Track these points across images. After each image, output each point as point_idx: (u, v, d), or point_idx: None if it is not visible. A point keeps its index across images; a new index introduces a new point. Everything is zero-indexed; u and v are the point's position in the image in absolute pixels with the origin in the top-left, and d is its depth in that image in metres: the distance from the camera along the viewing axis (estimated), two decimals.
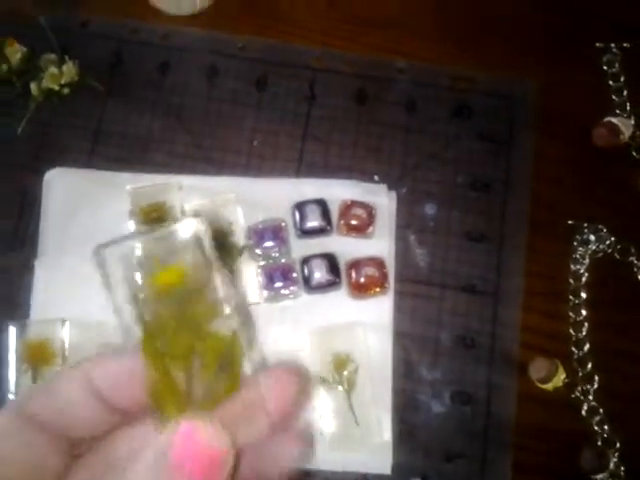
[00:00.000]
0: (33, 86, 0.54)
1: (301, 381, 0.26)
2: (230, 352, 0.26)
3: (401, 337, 0.52)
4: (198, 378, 0.25)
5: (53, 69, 0.54)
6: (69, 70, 0.54)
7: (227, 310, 0.26)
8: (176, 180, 0.54)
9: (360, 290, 0.52)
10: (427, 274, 0.54)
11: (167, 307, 0.25)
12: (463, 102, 0.58)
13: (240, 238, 0.53)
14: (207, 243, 0.28)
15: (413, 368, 0.52)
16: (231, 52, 0.59)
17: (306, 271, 0.52)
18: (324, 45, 0.59)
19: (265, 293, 0.51)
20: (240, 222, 0.53)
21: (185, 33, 0.59)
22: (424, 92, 0.58)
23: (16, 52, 0.54)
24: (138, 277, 0.25)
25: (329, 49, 0.59)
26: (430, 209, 0.56)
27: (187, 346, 0.25)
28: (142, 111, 0.57)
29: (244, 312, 0.51)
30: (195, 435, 0.22)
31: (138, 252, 0.26)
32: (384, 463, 0.50)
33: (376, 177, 0.56)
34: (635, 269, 0.55)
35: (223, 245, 0.52)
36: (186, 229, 0.27)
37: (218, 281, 0.27)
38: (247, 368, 0.26)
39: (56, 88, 0.54)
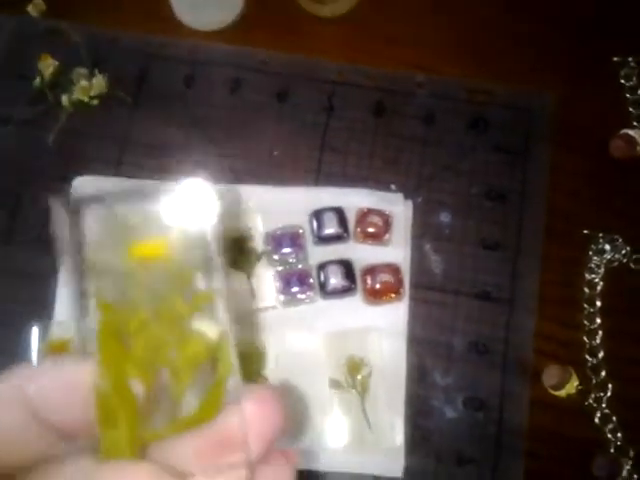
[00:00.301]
0: (64, 98, 0.57)
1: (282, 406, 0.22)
2: (213, 364, 0.20)
3: (415, 343, 0.53)
4: (165, 393, 0.20)
5: (84, 82, 0.57)
6: (99, 83, 0.57)
7: (220, 310, 0.21)
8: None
9: (375, 296, 0.53)
10: (441, 281, 0.55)
11: (140, 289, 0.20)
12: (480, 115, 0.59)
13: (259, 244, 0.54)
14: (213, 225, 0.22)
15: (426, 373, 0.53)
16: (254, 66, 0.61)
17: (322, 277, 0.53)
18: (345, 60, 0.61)
19: (282, 297, 0.53)
20: (259, 228, 0.55)
21: (210, 48, 0.61)
22: (442, 105, 0.60)
23: (49, 66, 0.57)
24: (111, 245, 0.20)
25: (350, 64, 0.61)
26: (445, 217, 0.57)
27: (156, 347, 0.19)
28: (168, 122, 0.59)
29: (246, 319, 0.53)
30: None
31: (121, 215, 0.21)
32: (396, 466, 0.50)
33: (393, 186, 0.57)
34: None
35: (242, 250, 0.54)
36: (187, 191, 0.22)
37: (217, 273, 0.21)
38: (231, 387, 0.21)
39: (86, 100, 0.57)
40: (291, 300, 0.53)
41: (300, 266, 0.54)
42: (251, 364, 0.52)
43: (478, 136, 0.59)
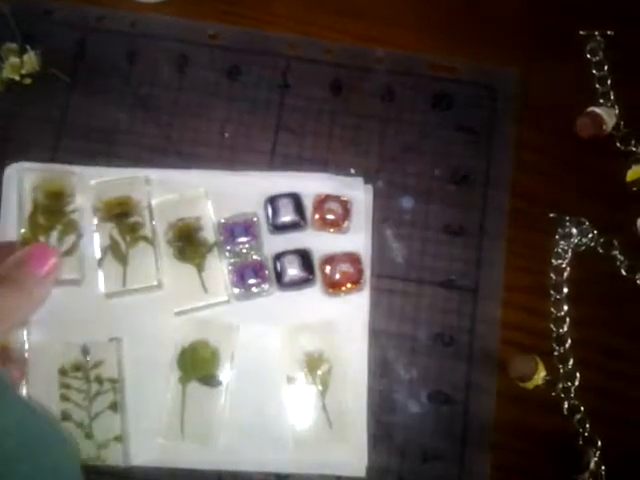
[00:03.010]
0: None
1: None
2: None
3: (377, 335, 0.51)
4: None
5: (13, 59, 0.52)
6: (30, 60, 0.52)
7: None
8: (143, 174, 0.52)
9: (335, 287, 0.50)
10: (404, 269, 0.52)
11: None
12: (443, 92, 0.56)
13: (209, 234, 0.51)
14: None
15: (389, 367, 0.50)
16: (202, 40, 0.57)
17: (278, 268, 0.50)
18: (299, 33, 0.57)
19: (235, 291, 0.50)
20: (210, 217, 0.51)
21: (153, 20, 0.57)
22: (402, 81, 0.56)
23: None
24: None
25: (304, 37, 0.57)
26: (407, 202, 0.54)
27: None
28: (108, 102, 0.55)
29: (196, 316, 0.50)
30: None
31: None
32: (359, 465, 0.48)
33: (352, 170, 0.54)
34: (618, 263, 0.53)
35: (191, 240, 0.50)
36: None
37: None
38: None
39: (17, 79, 0.52)
40: (245, 293, 0.50)
41: (255, 257, 0.50)
42: (203, 363, 0.48)
43: (440, 114, 0.56)
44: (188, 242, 0.50)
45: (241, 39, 0.57)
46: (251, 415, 0.49)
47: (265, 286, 0.50)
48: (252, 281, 0.50)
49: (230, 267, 0.50)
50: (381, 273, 0.52)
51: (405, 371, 0.50)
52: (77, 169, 0.52)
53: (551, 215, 0.54)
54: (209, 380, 0.48)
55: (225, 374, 0.49)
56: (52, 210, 0.50)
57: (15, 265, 0.40)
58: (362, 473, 0.48)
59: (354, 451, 0.48)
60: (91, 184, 0.51)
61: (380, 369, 0.50)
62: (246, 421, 0.48)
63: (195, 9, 0.57)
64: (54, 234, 0.49)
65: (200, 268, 0.50)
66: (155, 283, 0.49)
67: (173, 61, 0.56)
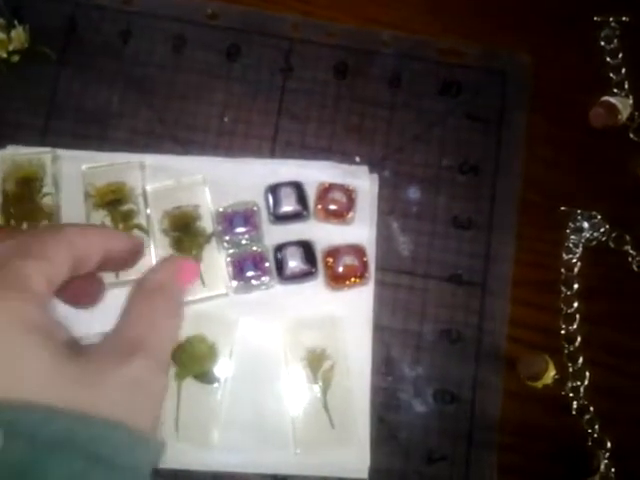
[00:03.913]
0: None
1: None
2: None
3: (381, 331, 0.49)
4: None
5: (1, 34, 0.49)
6: (18, 35, 0.49)
7: None
8: (138, 159, 0.49)
9: (338, 281, 0.48)
10: (410, 263, 0.50)
11: None
12: (451, 78, 0.54)
13: (207, 223, 0.48)
14: None
15: (394, 365, 0.49)
16: (200, 19, 0.54)
17: (279, 259, 0.48)
18: (303, 13, 0.54)
19: (234, 283, 0.47)
20: (208, 206, 0.49)
21: None
22: (410, 66, 0.54)
23: None
24: None
25: (308, 17, 0.54)
26: (414, 193, 0.52)
27: None
28: (100, 83, 0.52)
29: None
30: None
31: None
32: (361, 467, 0.46)
33: (357, 158, 0.52)
34: (630, 258, 0.51)
35: (188, 230, 0.48)
36: None
37: None
38: None
39: (4, 56, 0.49)
40: (245, 286, 0.47)
41: (255, 248, 0.48)
42: (200, 359, 0.46)
43: (450, 101, 0.54)
44: (185, 232, 0.48)
45: (242, 19, 0.54)
46: (250, 414, 0.47)
47: (265, 279, 0.48)
48: (251, 273, 0.47)
49: (229, 259, 0.48)
50: (386, 267, 0.50)
51: (410, 369, 0.49)
52: (67, 153, 0.49)
53: (562, 208, 0.52)
54: (206, 377, 0.46)
55: (223, 370, 0.46)
56: (23, 197, 0.47)
57: (168, 275, 0.35)
58: (364, 475, 0.46)
59: (356, 452, 0.46)
60: (82, 169, 0.48)
61: (384, 367, 0.48)
62: (244, 420, 0.46)
63: None
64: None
65: (197, 259, 0.48)
66: None
67: (169, 41, 0.53)
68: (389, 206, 0.51)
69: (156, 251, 0.48)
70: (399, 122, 0.53)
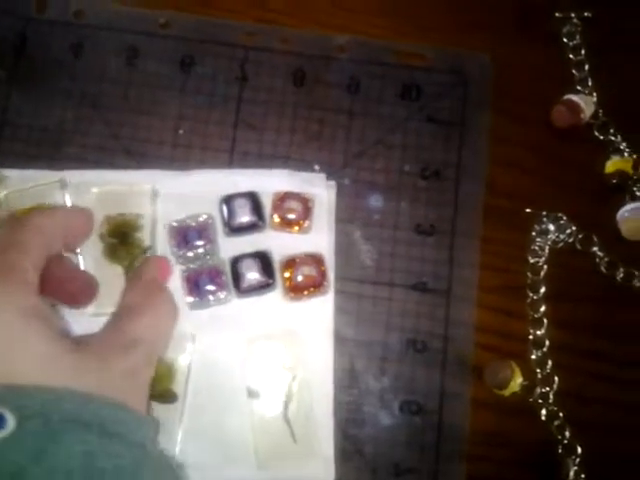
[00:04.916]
0: None
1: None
2: None
3: (345, 343, 0.48)
4: None
5: None
6: None
7: None
8: (79, 177, 0.48)
9: (297, 291, 0.47)
10: (373, 272, 0.49)
11: None
12: (411, 81, 0.53)
13: (147, 236, 0.47)
14: None
15: (358, 377, 0.48)
16: (152, 30, 0.53)
17: (236, 272, 0.47)
18: (257, 20, 0.53)
19: (189, 299, 0.46)
20: (152, 218, 0.48)
21: (100, 10, 0.52)
22: (368, 71, 0.53)
23: None
24: None
25: (262, 24, 0.53)
26: (376, 200, 0.51)
27: None
28: (52, 99, 0.51)
29: None
30: None
31: None
32: (326, 477, 0.45)
33: (316, 166, 0.51)
34: (598, 260, 0.50)
35: (126, 239, 0.47)
36: None
37: None
38: None
39: None
40: (201, 302, 0.46)
41: (210, 262, 0.47)
42: (159, 380, 0.45)
43: (409, 105, 0.53)
44: (122, 240, 0.47)
45: (195, 28, 0.53)
46: (211, 431, 0.46)
47: (222, 293, 0.47)
48: (207, 288, 0.46)
49: (184, 274, 0.47)
50: (349, 277, 0.49)
51: (375, 381, 0.48)
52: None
53: (527, 211, 0.51)
54: (164, 396, 0.45)
55: (181, 389, 0.46)
56: None
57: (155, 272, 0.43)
58: None
59: (320, 465, 0.45)
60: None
61: (348, 380, 0.47)
62: (205, 437, 0.45)
63: None
64: None
65: (128, 271, 0.46)
66: None
67: (122, 53, 0.52)
68: (350, 214, 0.50)
69: (85, 254, 0.46)
70: (359, 128, 0.52)
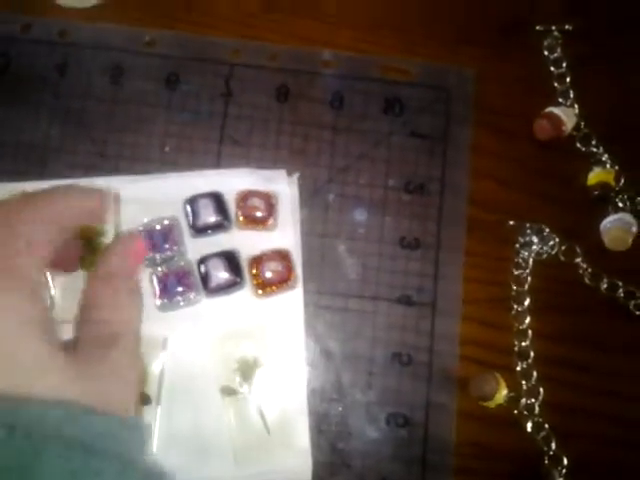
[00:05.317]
0: None
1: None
2: None
3: (331, 358, 0.48)
4: None
5: None
6: None
7: None
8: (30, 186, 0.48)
9: (265, 288, 0.48)
10: (358, 286, 0.50)
11: None
12: (394, 96, 0.54)
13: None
14: None
15: (345, 391, 0.48)
16: (137, 48, 0.53)
17: (203, 273, 0.47)
18: (241, 37, 0.54)
19: (158, 302, 0.47)
20: (115, 223, 0.48)
21: (85, 28, 0.53)
22: (352, 86, 0.53)
23: None
24: None
25: (246, 41, 0.54)
26: (360, 215, 0.51)
27: None
28: (38, 118, 0.51)
29: None
30: None
31: None
32: (303, 469, 0.46)
33: (289, 171, 0.51)
34: (581, 271, 0.51)
35: (90, 245, 0.47)
36: None
37: None
38: None
39: None
40: (171, 304, 0.47)
41: (178, 264, 0.48)
42: None
43: (393, 120, 0.53)
44: (86, 246, 0.47)
45: (179, 45, 0.53)
46: (187, 431, 0.46)
47: (191, 294, 0.47)
48: (176, 290, 0.47)
49: (152, 277, 0.47)
50: (334, 291, 0.49)
51: (362, 394, 0.48)
52: None
53: (510, 223, 0.52)
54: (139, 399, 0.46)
55: (154, 391, 0.46)
56: None
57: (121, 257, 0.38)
58: (308, 476, 0.46)
59: (297, 455, 0.46)
60: None
61: (335, 394, 0.48)
62: (182, 436, 0.46)
63: (129, 14, 0.54)
64: None
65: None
66: None
67: (107, 71, 0.52)
68: (335, 229, 0.51)
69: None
70: (343, 143, 0.52)
